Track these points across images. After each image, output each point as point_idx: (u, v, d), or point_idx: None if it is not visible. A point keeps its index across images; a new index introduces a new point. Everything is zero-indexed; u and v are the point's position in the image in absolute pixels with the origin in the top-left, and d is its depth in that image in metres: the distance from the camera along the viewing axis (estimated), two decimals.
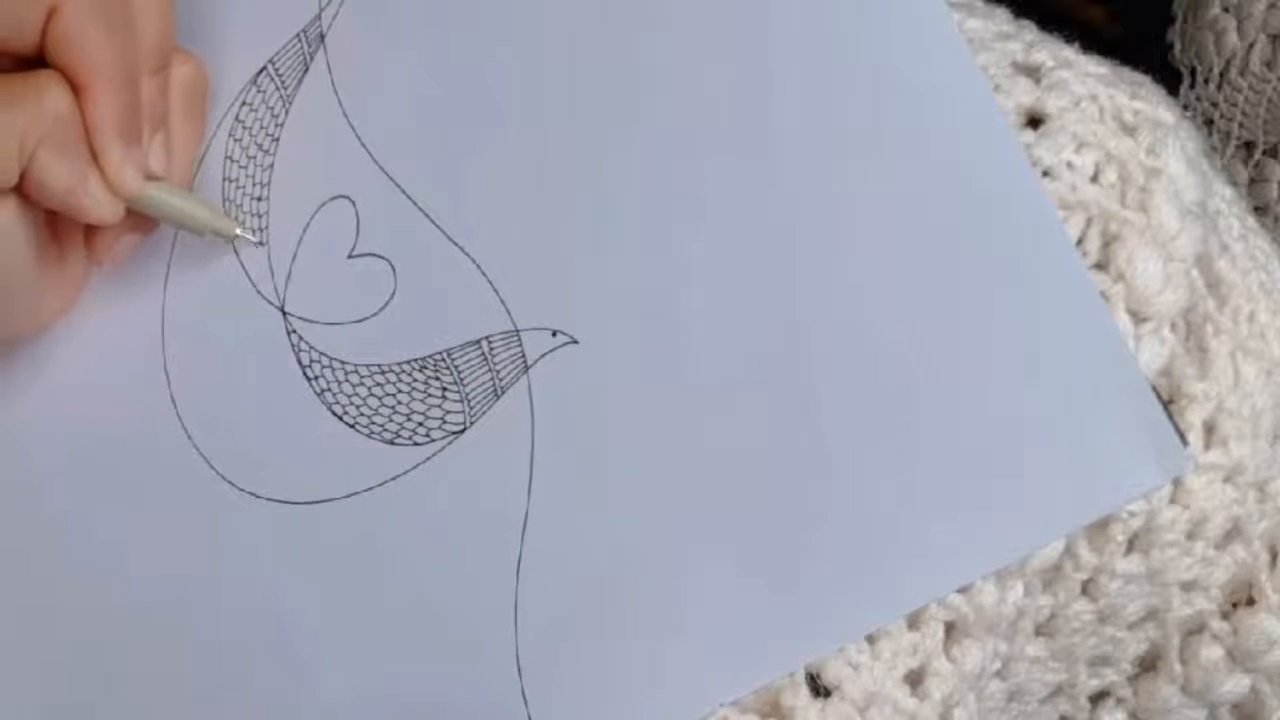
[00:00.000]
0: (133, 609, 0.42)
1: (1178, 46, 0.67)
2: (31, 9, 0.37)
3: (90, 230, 0.41)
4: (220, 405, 0.42)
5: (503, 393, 0.40)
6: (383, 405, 0.41)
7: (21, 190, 0.38)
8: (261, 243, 0.43)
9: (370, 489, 0.41)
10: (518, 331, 0.41)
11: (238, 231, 0.42)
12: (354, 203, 0.43)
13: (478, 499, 0.40)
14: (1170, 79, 0.67)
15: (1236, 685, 0.43)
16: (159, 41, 0.40)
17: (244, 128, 0.44)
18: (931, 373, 0.39)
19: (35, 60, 0.38)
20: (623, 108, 0.41)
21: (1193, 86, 0.66)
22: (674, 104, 0.41)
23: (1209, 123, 0.66)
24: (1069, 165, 0.41)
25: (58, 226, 0.41)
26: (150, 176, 0.40)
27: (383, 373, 0.41)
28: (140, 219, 0.41)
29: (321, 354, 0.42)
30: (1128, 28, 0.71)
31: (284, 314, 0.43)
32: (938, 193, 0.40)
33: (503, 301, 0.41)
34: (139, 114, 0.39)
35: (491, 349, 0.41)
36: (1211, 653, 0.43)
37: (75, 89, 0.38)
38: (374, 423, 0.41)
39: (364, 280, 0.42)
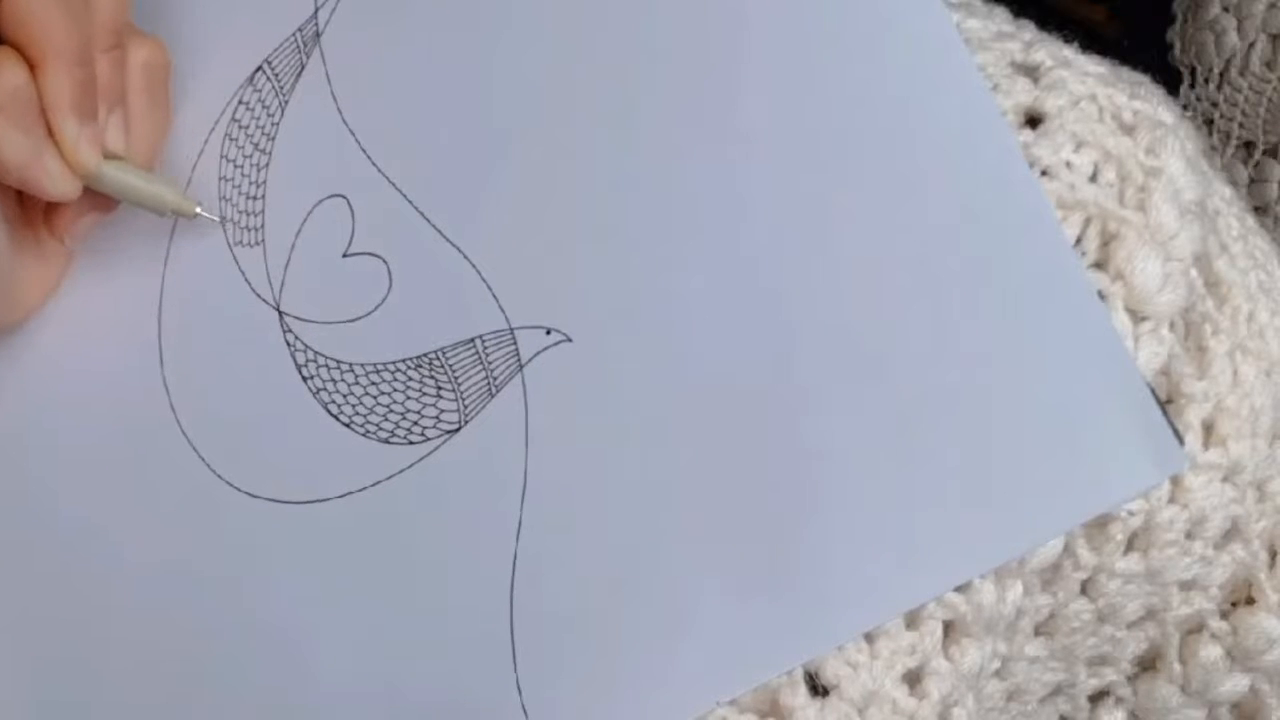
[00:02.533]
0: (130, 609, 0.42)
1: (1178, 46, 0.67)
2: None
3: (50, 208, 0.41)
4: (217, 405, 0.42)
5: (497, 391, 0.40)
6: (378, 404, 0.41)
7: None
8: (219, 219, 0.43)
9: (366, 488, 0.41)
10: (512, 330, 0.41)
11: (198, 210, 0.42)
12: (349, 201, 0.43)
13: (472, 498, 0.40)
14: (1170, 79, 0.67)
15: (1236, 685, 0.43)
16: (112, 19, 0.40)
17: (240, 127, 0.44)
18: (930, 372, 0.39)
19: None
20: (619, 107, 0.41)
21: (1193, 86, 0.66)
22: (671, 104, 0.41)
23: (1209, 123, 0.66)
24: (1068, 165, 0.41)
25: (28, 209, 0.41)
26: (110, 155, 0.40)
27: (378, 371, 0.41)
28: (100, 198, 0.41)
29: (317, 353, 0.42)
30: (1128, 28, 0.71)
31: (280, 313, 0.43)
32: (936, 192, 0.40)
33: (497, 300, 0.41)
34: (94, 91, 0.40)
35: (485, 348, 0.41)
36: (1211, 652, 0.43)
37: (30, 65, 0.38)
38: (369, 422, 0.41)
39: (359, 279, 0.42)
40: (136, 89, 0.41)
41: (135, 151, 0.41)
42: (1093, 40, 0.45)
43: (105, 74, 0.40)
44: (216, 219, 0.43)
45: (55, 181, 0.39)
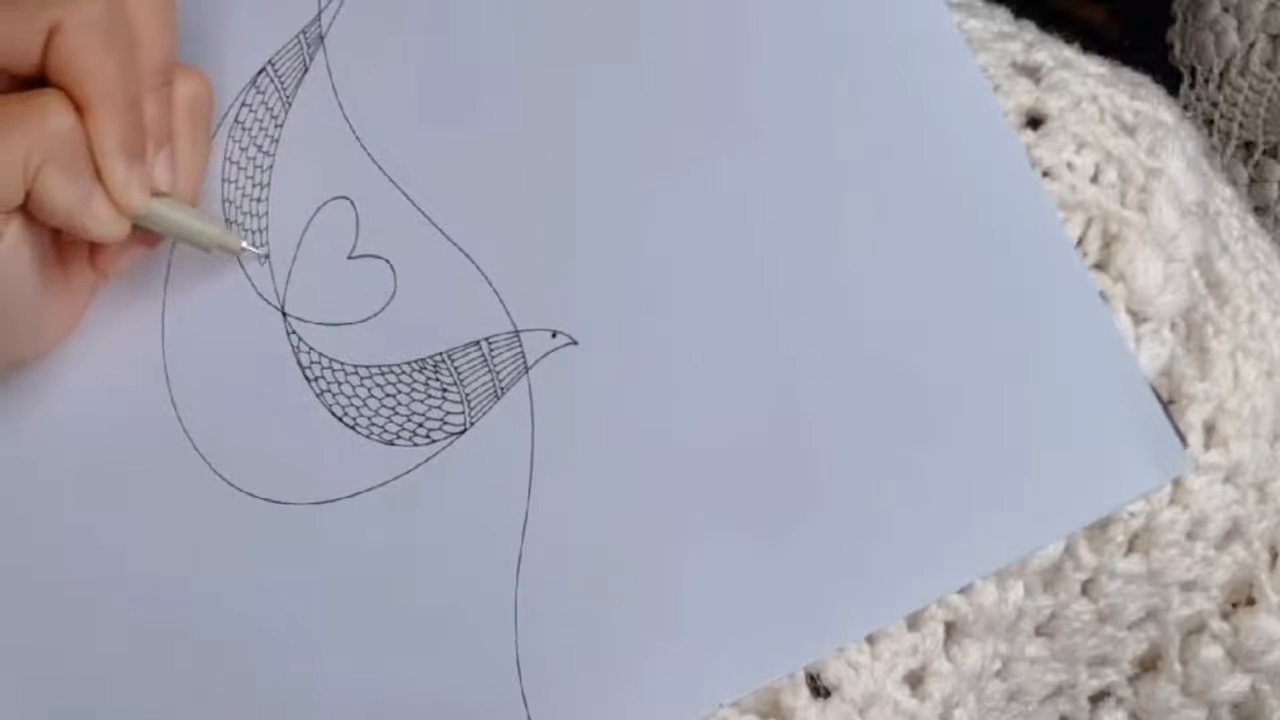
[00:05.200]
0: (133, 610, 0.42)
1: (1178, 46, 0.67)
2: (31, 28, 0.37)
3: (94, 245, 0.41)
4: (221, 407, 0.42)
5: (503, 393, 0.40)
6: (383, 406, 0.41)
7: (26, 210, 0.38)
8: (268, 255, 0.43)
9: (370, 490, 0.41)
10: (518, 332, 0.41)
11: (244, 246, 0.42)
12: (354, 203, 0.43)
13: (478, 500, 0.40)
14: (1170, 79, 0.67)
15: (1236, 685, 0.43)
16: (161, 58, 0.39)
17: (243, 129, 0.44)
18: (931, 373, 0.39)
19: (37, 80, 0.38)
20: (623, 109, 0.41)
21: (1193, 86, 0.66)
22: (675, 107, 0.41)
23: (1209, 123, 0.66)
24: (1069, 165, 0.41)
25: (62, 245, 0.41)
26: (155, 193, 0.40)
27: (383, 374, 0.41)
28: (145, 233, 0.41)
29: (321, 355, 0.42)
30: (1128, 28, 0.71)
31: (284, 315, 0.43)
32: (937, 193, 0.40)
33: (503, 302, 0.41)
34: (142, 131, 0.39)
35: (492, 350, 0.41)
36: (1211, 653, 0.43)
37: (78, 107, 0.38)
38: (374, 423, 0.41)
39: (364, 281, 0.42)
40: (182, 126, 0.41)
41: (181, 188, 0.41)
42: (1093, 40, 0.45)
43: (152, 113, 0.40)
44: (261, 253, 0.43)
45: (103, 225, 0.39)
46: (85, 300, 0.43)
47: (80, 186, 0.38)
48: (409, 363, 0.41)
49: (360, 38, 0.44)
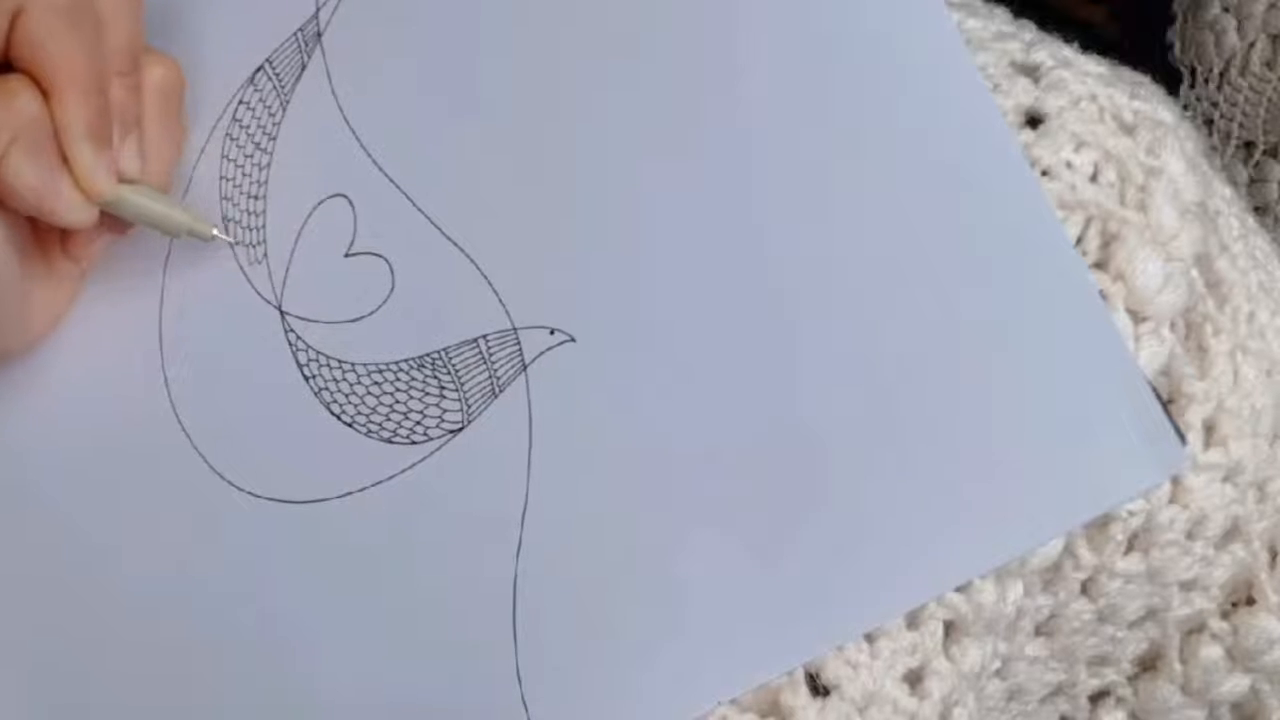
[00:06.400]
0: (131, 608, 0.42)
1: (1178, 46, 0.67)
2: None
3: (65, 231, 0.41)
4: (218, 404, 0.42)
5: (500, 391, 0.40)
6: (380, 404, 0.41)
7: None
8: (237, 243, 0.43)
9: (368, 488, 0.41)
10: (515, 330, 0.41)
11: (214, 233, 0.42)
12: (351, 201, 0.43)
13: (475, 498, 0.40)
14: (1170, 79, 0.67)
15: (1236, 685, 0.43)
16: (127, 42, 0.39)
17: (241, 127, 0.44)
18: (931, 372, 0.39)
19: (2, 66, 0.38)
20: (622, 107, 0.41)
21: (1193, 86, 0.66)
22: (674, 105, 0.41)
23: (1209, 123, 0.66)
24: (1068, 165, 0.41)
25: (40, 233, 0.41)
26: (124, 179, 0.40)
27: (380, 371, 0.41)
28: (115, 220, 0.41)
29: (319, 353, 0.42)
30: (1128, 28, 0.71)
31: (281, 313, 0.43)
32: (937, 192, 0.40)
33: (500, 300, 0.41)
34: (109, 116, 0.39)
35: (489, 347, 0.41)
36: (1211, 652, 0.43)
37: (43, 92, 0.38)
38: (372, 421, 0.41)
39: (361, 279, 0.42)
40: (152, 111, 0.41)
41: (151, 174, 0.41)
42: (1093, 40, 0.45)
43: (120, 98, 0.39)
44: (232, 241, 0.43)
45: (71, 210, 0.39)
46: (72, 290, 0.43)
47: (46, 171, 0.38)
48: (406, 360, 0.41)
49: (357, 36, 0.44)
